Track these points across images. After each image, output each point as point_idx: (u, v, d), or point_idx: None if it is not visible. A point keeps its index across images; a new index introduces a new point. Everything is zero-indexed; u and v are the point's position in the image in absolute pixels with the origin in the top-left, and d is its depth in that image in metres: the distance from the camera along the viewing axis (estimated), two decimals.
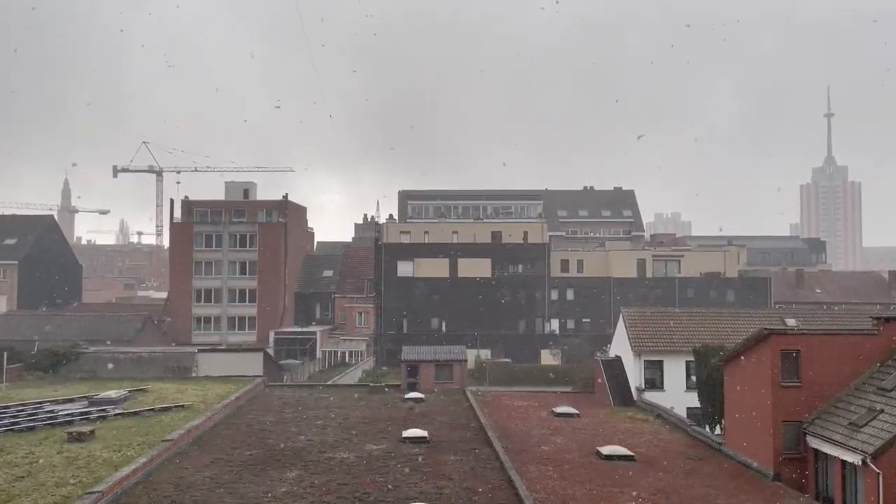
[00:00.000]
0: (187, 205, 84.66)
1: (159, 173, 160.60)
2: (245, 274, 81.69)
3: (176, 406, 35.44)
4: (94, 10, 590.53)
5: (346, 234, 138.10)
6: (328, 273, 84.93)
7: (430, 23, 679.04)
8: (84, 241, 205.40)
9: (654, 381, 41.46)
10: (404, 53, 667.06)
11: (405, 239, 78.02)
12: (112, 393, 37.44)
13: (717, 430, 34.07)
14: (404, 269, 74.11)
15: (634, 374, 41.86)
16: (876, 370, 24.99)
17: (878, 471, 20.70)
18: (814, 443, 24.44)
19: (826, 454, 23.74)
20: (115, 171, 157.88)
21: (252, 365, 47.95)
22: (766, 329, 26.92)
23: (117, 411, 34.06)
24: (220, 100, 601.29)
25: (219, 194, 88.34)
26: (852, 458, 21.88)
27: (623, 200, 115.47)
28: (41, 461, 24.97)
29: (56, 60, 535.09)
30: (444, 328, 72.24)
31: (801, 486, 24.87)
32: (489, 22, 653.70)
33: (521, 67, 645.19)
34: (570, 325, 73.18)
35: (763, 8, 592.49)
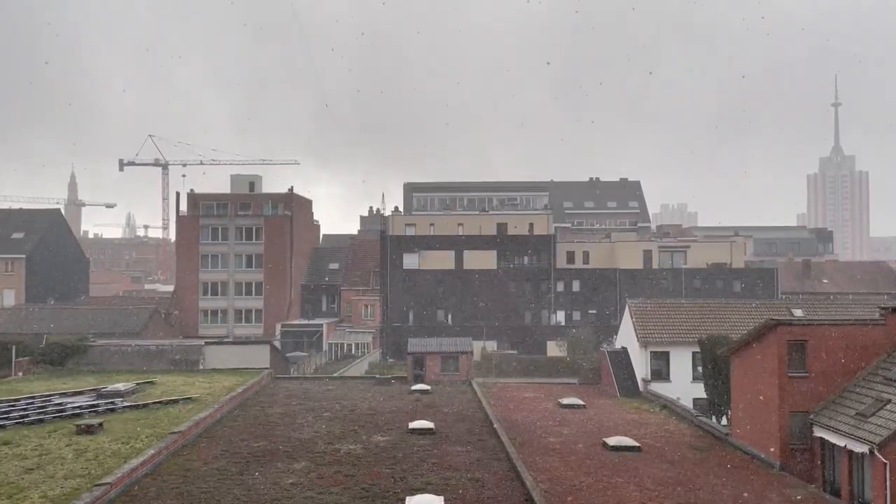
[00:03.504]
0: (193, 198, 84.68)
1: (165, 167, 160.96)
2: (251, 267, 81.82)
3: (183, 398, 35.59)
4: (94, 5, 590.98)
5: (352, 227, 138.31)
6: (334, 265, 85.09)
7: (428, 18, 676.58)
8: (91, 235, 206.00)
9: (661, 372, 41.49)
10: (404, 49, 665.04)
11: (411, 231, 77.96)
12: (120, 385, 37.67)
13: (724, 421, 34.08)
14: (410, 261, 74.11)
15: (640, 366, 41.89)
16: (883, 360, 24.93)
17: (885, 461, 20.67)
18: (820, 433, 24.41)
19: (833, 444, 23.72)
20: (122, 165, 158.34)
21: (259, 357, 48.07)
22: (772, 319, 26.87)
23: (125, 404, 34.24)
24: (221, 97, 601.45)
25: (224, 187, 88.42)
26: (859, 449, 21.85)
27: (629, 191, 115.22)
28: (51, 453, 25.14)
29: (57, 55, 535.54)
30: (449, 320, 72.30)
31: (808, 476, 24.87)
32: (488, 14, 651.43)
33: (521, 62, 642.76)
34: (576, 316, 73.07)
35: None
